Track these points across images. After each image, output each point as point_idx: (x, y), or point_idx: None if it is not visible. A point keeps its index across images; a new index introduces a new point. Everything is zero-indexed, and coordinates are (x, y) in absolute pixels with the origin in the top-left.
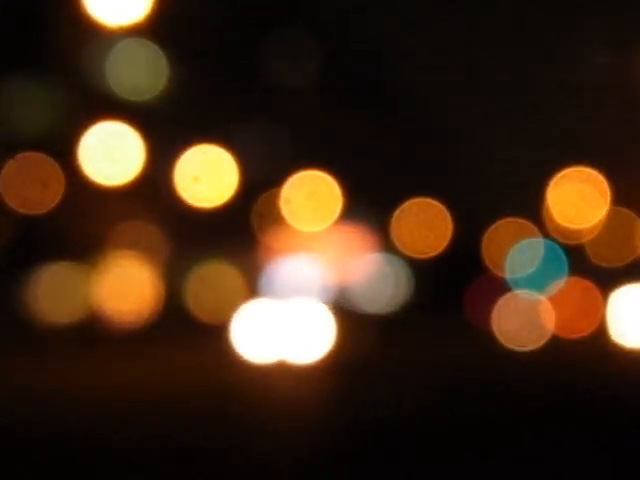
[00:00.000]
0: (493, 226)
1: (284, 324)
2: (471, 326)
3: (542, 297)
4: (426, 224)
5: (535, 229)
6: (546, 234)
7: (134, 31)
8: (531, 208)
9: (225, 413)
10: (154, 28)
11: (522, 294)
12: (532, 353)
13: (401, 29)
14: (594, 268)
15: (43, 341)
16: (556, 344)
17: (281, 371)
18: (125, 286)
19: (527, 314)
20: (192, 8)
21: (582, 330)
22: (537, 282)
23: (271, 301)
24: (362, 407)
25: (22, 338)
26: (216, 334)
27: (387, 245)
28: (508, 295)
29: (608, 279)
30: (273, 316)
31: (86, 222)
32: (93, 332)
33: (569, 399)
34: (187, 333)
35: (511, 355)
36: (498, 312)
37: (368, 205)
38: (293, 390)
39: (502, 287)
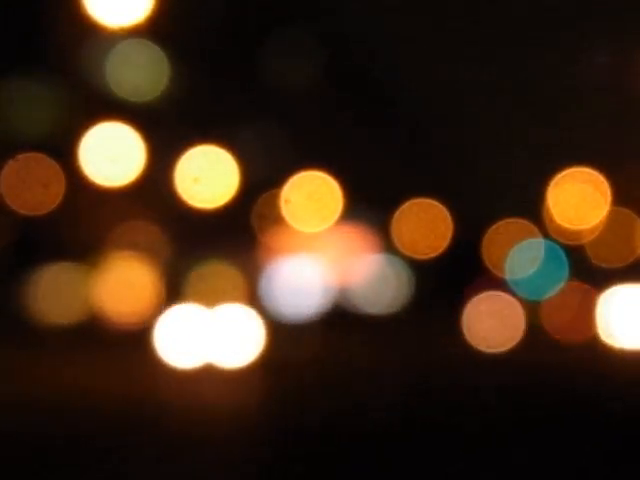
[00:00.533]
0: (493, 227)
1: (210, 329)
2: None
3: (515, 298)
4: (426, 225)
5: (535, 230)
6: (546, 235)
7: (135, 32)
8: (531, 209)
9: (148, 419)
10: (155, 29)
11: (495, 294)
12: (523, 354)
13: (402, 29)
14: (594, 269)
15: (43, 341)
16: (553, 346)
17: (207, 375)
18: (126, 287)
19: (499, 314)
20: (192, 9)
21: (582, 333)
22: (537, 283)
23: (195, 306)
24: (291, 410)
25: (22, 338)
26: (138, 340)
27: (387, 246)
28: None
29: (608, 280)
30: (197, 321)
31: (86, 223)
32: (94, 333)
33: (558, 402)
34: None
35: (499, 357)
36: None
37: (368, 206)
38: (219, 394)
39: (502, 288)
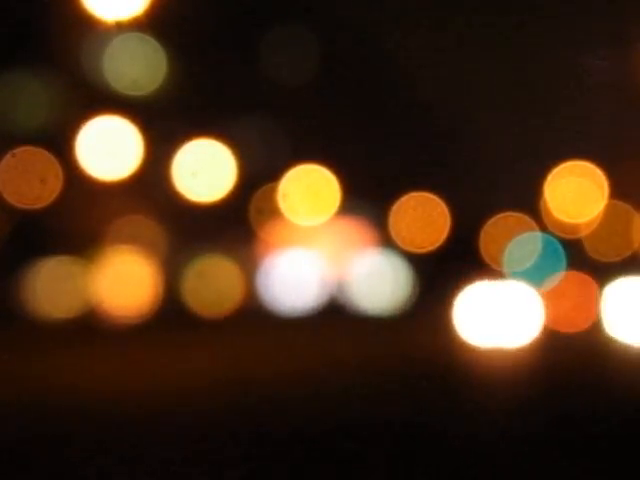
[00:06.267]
0: (491, 220)
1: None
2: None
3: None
4: (424, 218)
5: (533, 223)
6: (544, 228)
7: (133, 26)
8: (529, 202)
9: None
10: (153, 23)
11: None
12: (525, 348)
13: (400, 26)
14: (592, 262)
15: (41, 336)
16: (551, 338)
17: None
18: (123, 281)
19: None
20: (191, 3)
21: (579, 324)
22: (535, 277)
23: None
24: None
25: (20, 333)
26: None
27: (385, 239)
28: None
29: (606, 273)
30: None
31: (84, 217)
32: (91, 327)
33: (561, 396)
34: (186, 328)
35: (501, 351)
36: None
37: (366, 199)
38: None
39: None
